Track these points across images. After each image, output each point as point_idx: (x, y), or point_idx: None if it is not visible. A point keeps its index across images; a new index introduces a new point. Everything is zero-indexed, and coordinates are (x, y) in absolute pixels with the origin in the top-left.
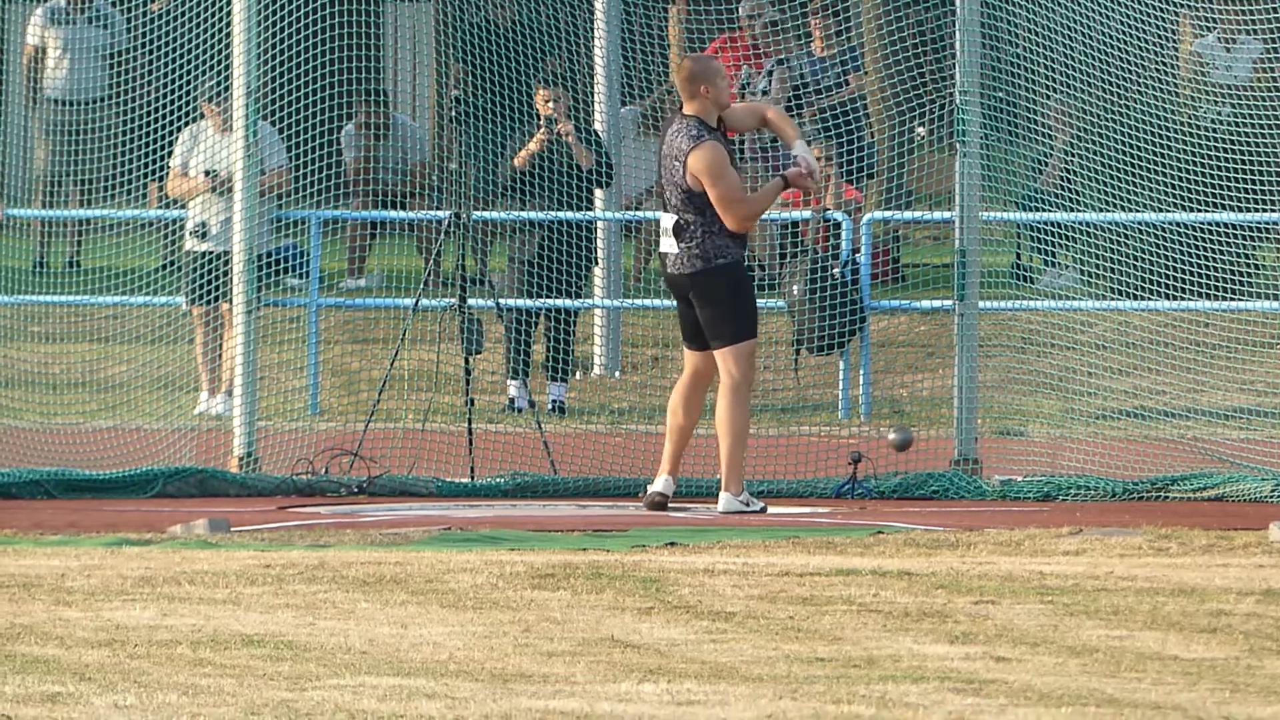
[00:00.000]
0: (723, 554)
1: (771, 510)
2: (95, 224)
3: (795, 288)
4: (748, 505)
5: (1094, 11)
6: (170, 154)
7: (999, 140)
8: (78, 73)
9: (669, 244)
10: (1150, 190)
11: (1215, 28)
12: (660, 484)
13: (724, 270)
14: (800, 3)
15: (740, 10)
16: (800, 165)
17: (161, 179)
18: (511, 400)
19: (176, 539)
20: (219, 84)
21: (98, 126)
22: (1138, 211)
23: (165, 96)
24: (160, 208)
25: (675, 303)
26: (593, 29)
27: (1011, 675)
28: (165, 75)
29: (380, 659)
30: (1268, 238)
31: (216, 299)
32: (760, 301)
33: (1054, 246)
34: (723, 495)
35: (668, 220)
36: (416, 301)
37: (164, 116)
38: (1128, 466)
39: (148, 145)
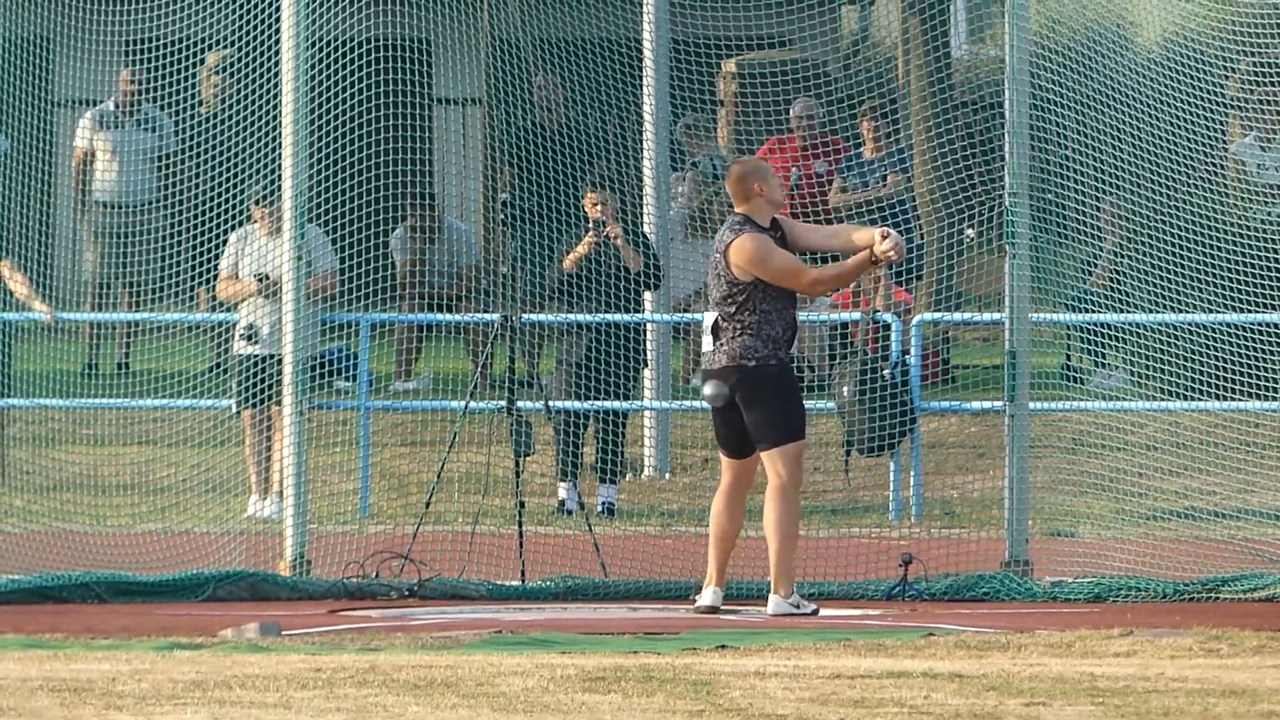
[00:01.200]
0: (774, 656)
1: (822, 612)
2: (144, 327)
3: (845, 389)
4: (798, 608)
5: (1143, 112)
6: (220, 257)
7: (1048, 242)
8: (127, 176)
9: (707, 342)
10: (1199, 291)
11: (1254, 128)
12: (709, 596)
13: (759, 371)
14: (850, 106)
15: (791, 112)
16: (891, 239)
17: (211, 283)
18: (562, 502)
19: (227, 643)
20: (268, 186)
21: (147, 230)
22: (1187, 312)
23: (214, 200)
24: (209, 310)
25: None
26: (641, 132)
27: None
28: (214, 179)
29: None
30: None
31: (266, 402)
32: (810, 403)
33: (1104, 347)
34: (772, 598)
35: (709, 318)
36: (466, 404)
37: (213, 220)
38: (1178, 567)
39: (197, 248)
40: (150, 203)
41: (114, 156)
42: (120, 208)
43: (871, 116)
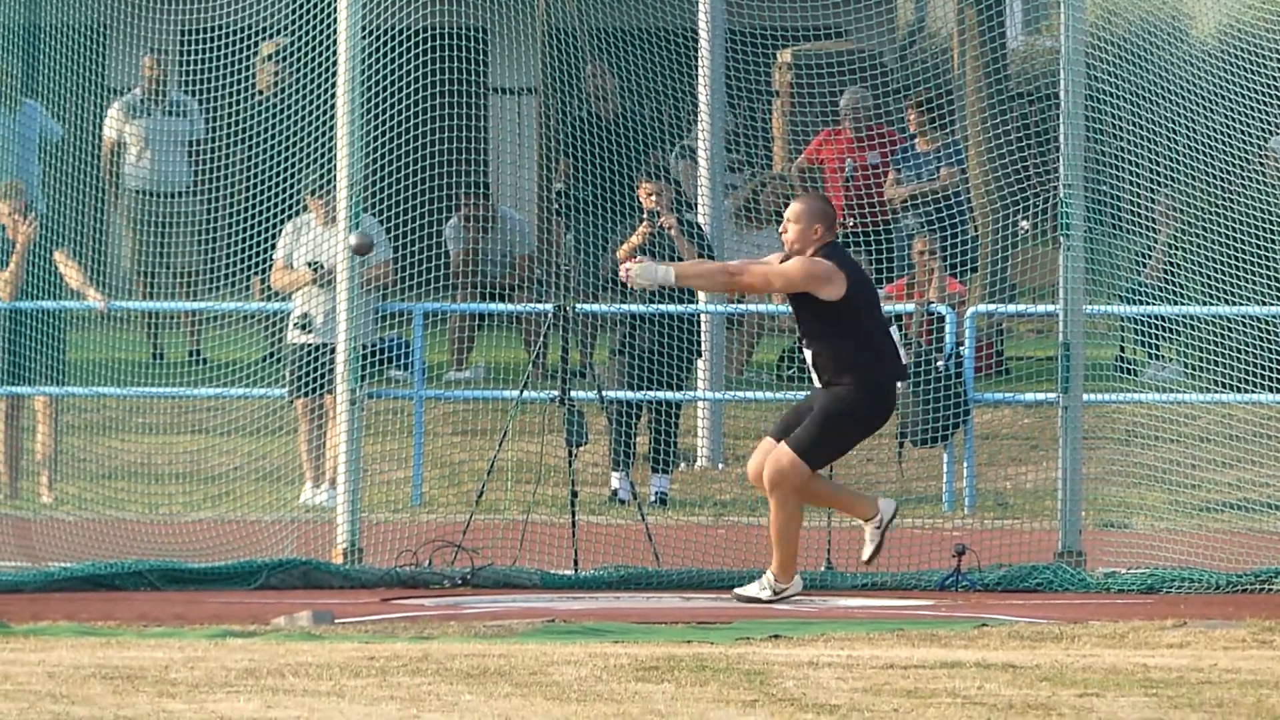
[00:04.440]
0: (827, 646)
1: (875, 602)
2: (201, 316)
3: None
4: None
5: (1198, 104)
6: (273, 246)
7: (1102, 233)
8: (160, 164)
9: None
10: (1254, 283)
11: None
12: (800, 584)
13: None
14: (902, 96)
15: (842, 103)
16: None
17: (264, 271)
18: (615, 492)
19: (280, 631)
20: (323, 177)
21: (184, 217)
22: (1241, 304)
23: (267, 188)
24: (263, 300)
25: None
26: (697, 122)
27: None
28: (269, 167)
29: None
30: None
31: (320, 391)
32: None
33: (1158, 339)
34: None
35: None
36: (520, 394)
37: (267, 209)
38: (1231, 559)
39: (250, 237)
40: (185, 190)
41: (146, 145)
42: (157, 195)
43: (917, 108)
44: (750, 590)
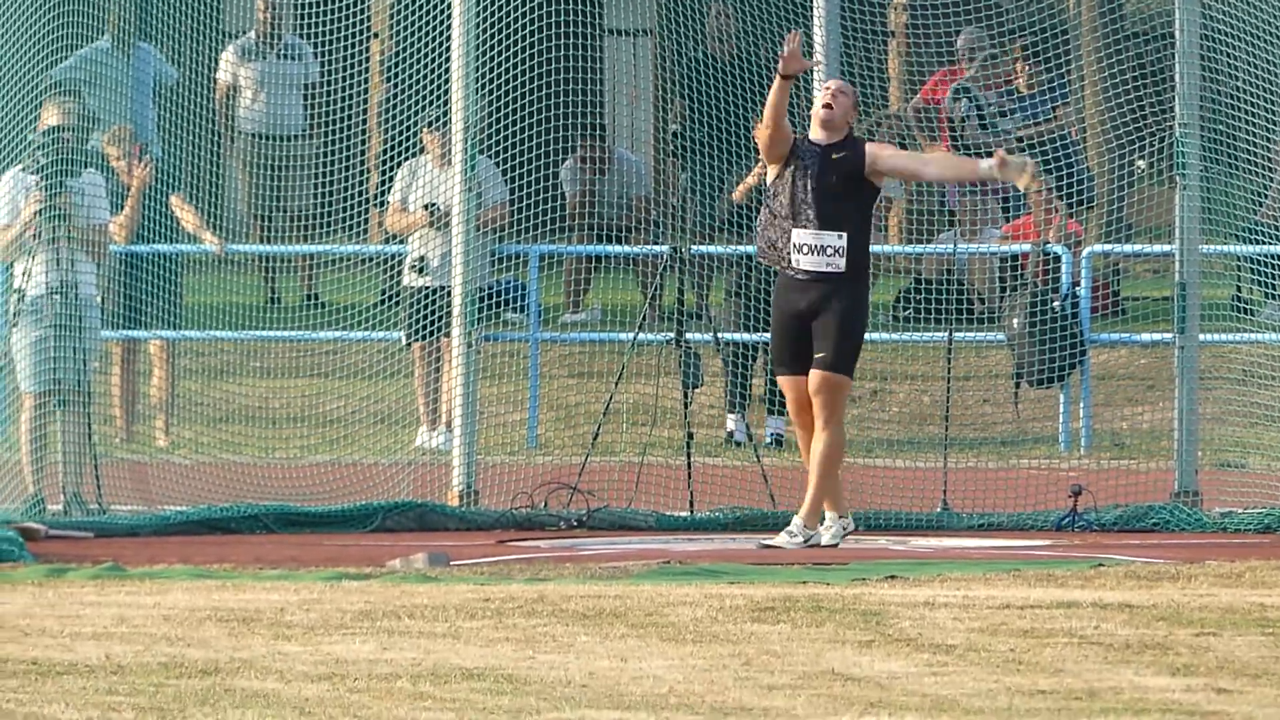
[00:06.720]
0: (943, 587)
1: (991, 543)
2: (316, 259)
3: (1015, 321)
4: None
5: None
6: (389, 188)
7: (1219, 173)
8: (275, 107)
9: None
10: None
11: None
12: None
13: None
14: (1016, 37)
15: (958, 43)
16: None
17: (382, 209)
18: (730, 433)
19: (396, 573)
20: (440, 111)
21: (300, 160)
22: None
23: (384, 130)
24: (380, 242)
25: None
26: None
27: (1233, 707)
28: (383, 109)
29: (600, 692)
30: None
31: (436, 334)
32: (980, 335)
33: (1274, 279)
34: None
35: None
36: (635, 336)
37: (385, 150)
38: None
39: (364, 178)
40: (299, 133)
41: (261, 88)
42: (271, 138)
43: (1026, 57)
44: (780, 540)
